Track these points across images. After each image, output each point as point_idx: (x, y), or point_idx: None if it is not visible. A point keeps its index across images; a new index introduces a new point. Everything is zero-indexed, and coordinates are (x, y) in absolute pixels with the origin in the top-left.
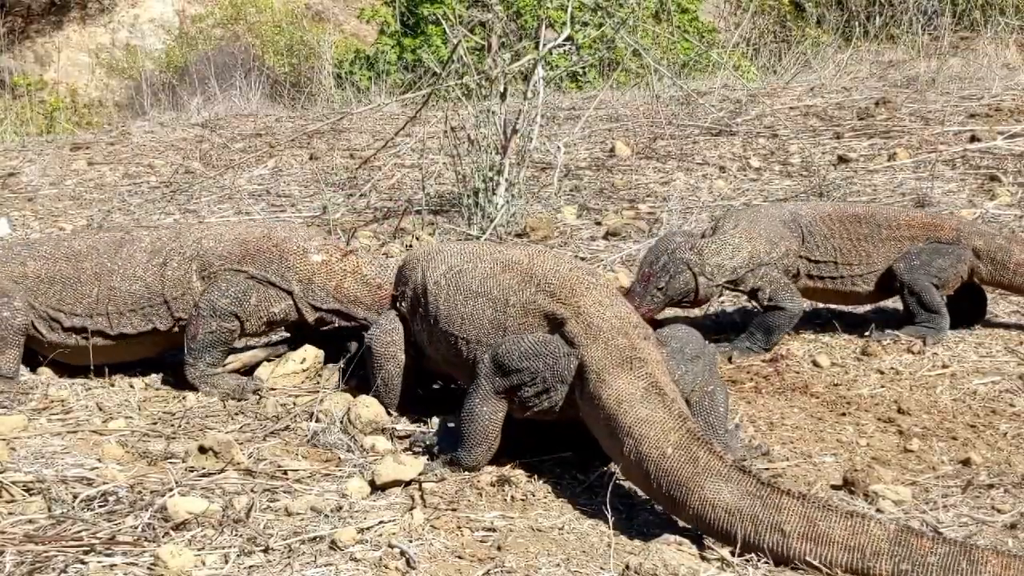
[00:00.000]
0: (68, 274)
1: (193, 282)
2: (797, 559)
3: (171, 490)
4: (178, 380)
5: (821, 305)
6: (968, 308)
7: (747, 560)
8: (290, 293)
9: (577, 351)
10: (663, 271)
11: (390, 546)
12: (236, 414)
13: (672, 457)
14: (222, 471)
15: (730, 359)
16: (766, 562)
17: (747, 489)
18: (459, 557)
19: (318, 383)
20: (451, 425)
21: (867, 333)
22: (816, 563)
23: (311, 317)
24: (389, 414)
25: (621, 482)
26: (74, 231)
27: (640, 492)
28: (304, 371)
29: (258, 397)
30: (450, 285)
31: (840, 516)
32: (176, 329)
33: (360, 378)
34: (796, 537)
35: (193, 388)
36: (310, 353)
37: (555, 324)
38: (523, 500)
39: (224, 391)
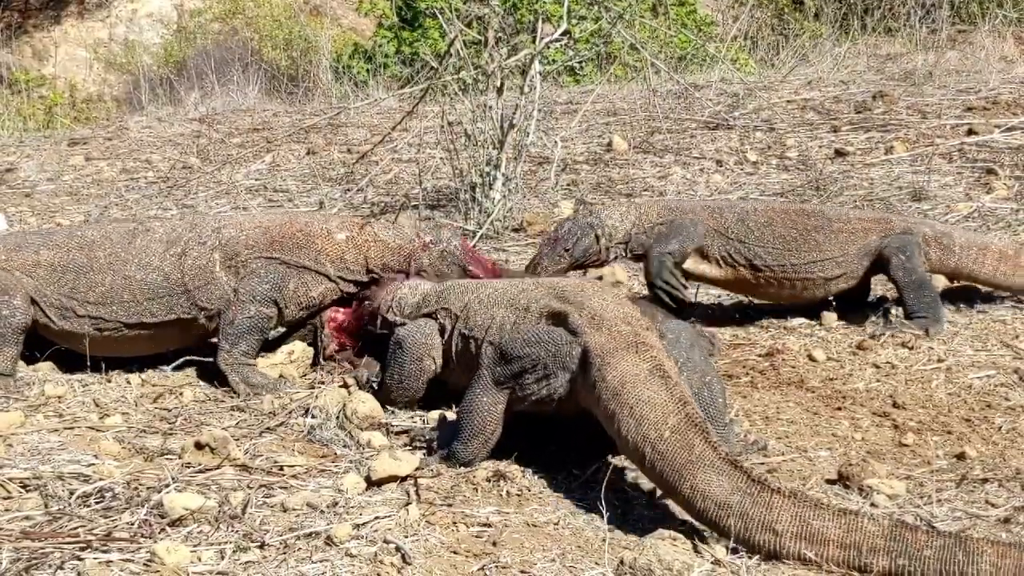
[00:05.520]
0: None
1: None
2: (791, 558)
3: (167, 486)
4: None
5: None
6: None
7: (738, 555)
8: (326, 275)
9: (580, 339)
10: (569, 234)
11: (386, 541)
12: (233, 410)
13: (669, 440)
14: (218, 467)
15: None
16: (758, 557)
17: (737, 484)
18: (454, 552)
19: (310, 376)
20: (450, 420)
21: (865, 326)
22: (812, 558)
23: (350, 291)
24: (386, 410)
25: (616, 478)
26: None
27: (634, 488)
28: (292, 363)
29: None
30: (491, 299)
31: (833, 514)
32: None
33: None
34: (789, 536)
35: (194, 383)
36: (298, 347)
37: (560, 320)
38: (519, 495)
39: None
